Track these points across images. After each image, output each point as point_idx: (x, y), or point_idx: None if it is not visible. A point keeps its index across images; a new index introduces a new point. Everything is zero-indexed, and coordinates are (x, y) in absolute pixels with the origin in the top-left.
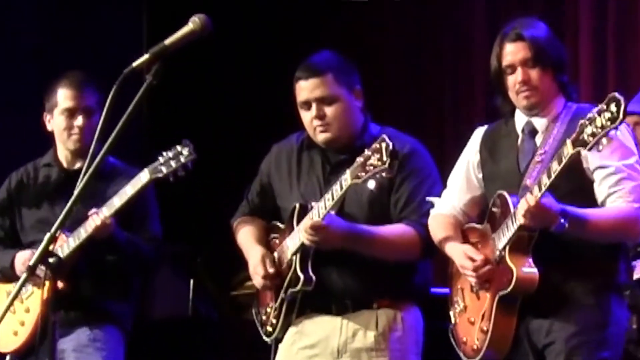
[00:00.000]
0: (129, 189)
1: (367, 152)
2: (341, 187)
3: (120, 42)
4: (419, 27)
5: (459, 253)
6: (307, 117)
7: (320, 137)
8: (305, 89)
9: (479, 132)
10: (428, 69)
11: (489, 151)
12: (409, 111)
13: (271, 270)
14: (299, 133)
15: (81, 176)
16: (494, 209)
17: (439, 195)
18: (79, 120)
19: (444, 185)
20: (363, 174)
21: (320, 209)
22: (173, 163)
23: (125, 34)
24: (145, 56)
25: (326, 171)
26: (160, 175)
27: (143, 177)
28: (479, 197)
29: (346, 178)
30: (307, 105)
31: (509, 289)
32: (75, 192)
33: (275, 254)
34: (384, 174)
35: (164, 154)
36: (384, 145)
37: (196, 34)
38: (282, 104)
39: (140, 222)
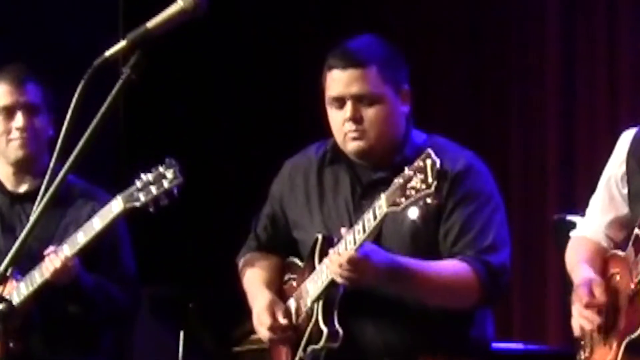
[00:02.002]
0: (97, 222)
1: (407, 172)
2: (375, 217)
3: (89, 25)
4: (479, 27)
5: (582, 279)
6: (338, 118)
7: (351, 146)
8: (341, 81)
9: (626, 137)
10: (491, 74)
11: (637, 161)
12: (466, 129)
13: (282, 320)
14: (318, 144)
15: (38, 200)
16: (637, 231)
17: (501, 224)
18: (19, 120)
19: (509, 213)
20: (402, 199)
21: (348, 244)
22: (154, 189)
23: (96, 14)
24: (122, 43)
25: (356, 193)
26: (137, 204)
27: (115, 206)
28: (625, 217)
29: (381, 205)
30: (340, 102)
31: (637, 333)
32: (32, 220)
33: (292, 301)
34: (428, 200)
35: (143, 176)
36: (429, 162)
37: (187, 14)
38: (298, 109)
39: (108, 259)
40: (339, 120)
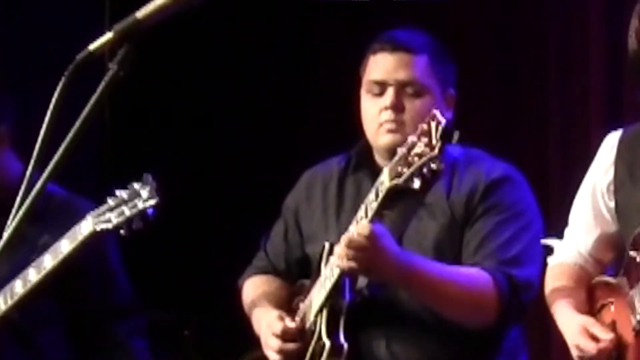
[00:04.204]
0: (65, 245)
1: (411, 139)
2: (377, 195)
3: (72, 15)
4: (514, 30)
5: (573, 327)
6: (374, 107)
7: (384, 140)
8: (387, 64)
9: (611, 140)
10: (527, 86)
11: (627, 167)
12: (503, 142)
13: (291, 324)
14: (342, 155)
15: (12, 214)
16: (632, 254)
17: (530, 242)
18: None
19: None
20: (405, 169)
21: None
22: (126, 210)
23: (79, 2)
24: (108, 35)
25: None
26: (108, 226)
27: (84, 227)
28: (614, 235)
29: (383, 180)
30: (381, 87)
31: None
32: (4, 238)
33: (297, 319)
34: (433, 166)
35: (117, 194)
36: (433, 123)
37: (183, 3)
38: (307, 113)
39: (100, 289)
40: (375, 110)
